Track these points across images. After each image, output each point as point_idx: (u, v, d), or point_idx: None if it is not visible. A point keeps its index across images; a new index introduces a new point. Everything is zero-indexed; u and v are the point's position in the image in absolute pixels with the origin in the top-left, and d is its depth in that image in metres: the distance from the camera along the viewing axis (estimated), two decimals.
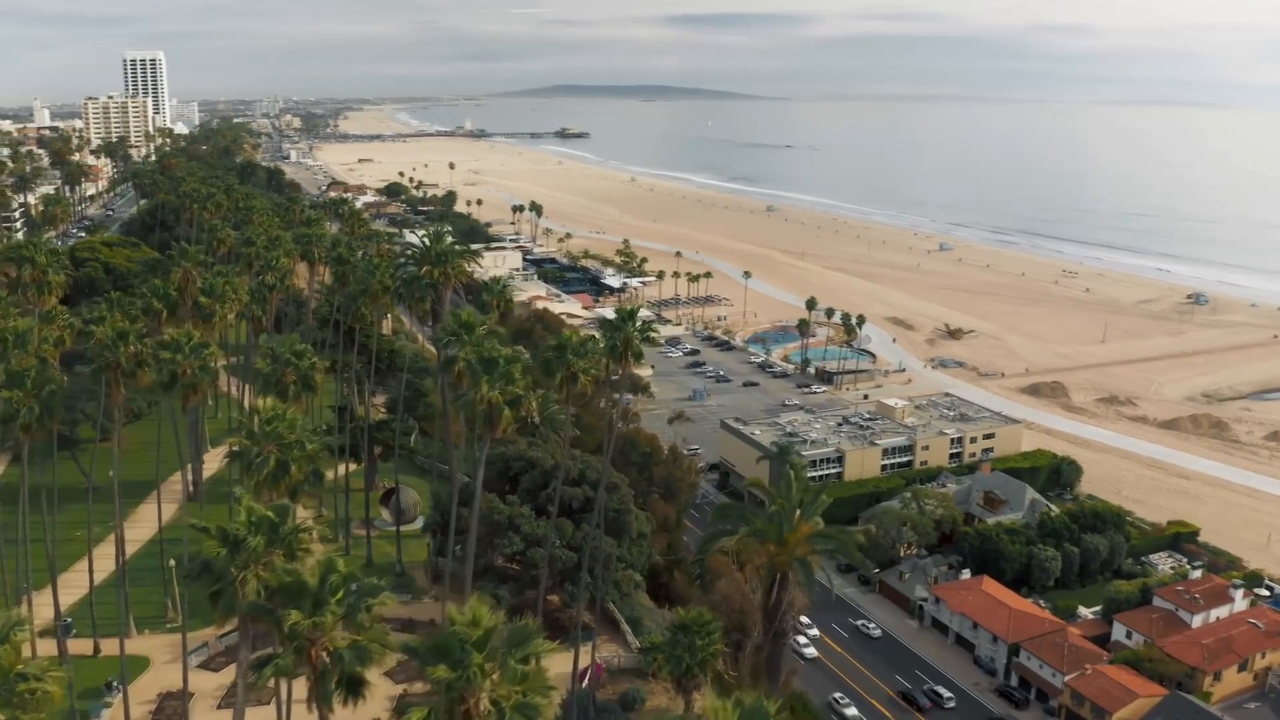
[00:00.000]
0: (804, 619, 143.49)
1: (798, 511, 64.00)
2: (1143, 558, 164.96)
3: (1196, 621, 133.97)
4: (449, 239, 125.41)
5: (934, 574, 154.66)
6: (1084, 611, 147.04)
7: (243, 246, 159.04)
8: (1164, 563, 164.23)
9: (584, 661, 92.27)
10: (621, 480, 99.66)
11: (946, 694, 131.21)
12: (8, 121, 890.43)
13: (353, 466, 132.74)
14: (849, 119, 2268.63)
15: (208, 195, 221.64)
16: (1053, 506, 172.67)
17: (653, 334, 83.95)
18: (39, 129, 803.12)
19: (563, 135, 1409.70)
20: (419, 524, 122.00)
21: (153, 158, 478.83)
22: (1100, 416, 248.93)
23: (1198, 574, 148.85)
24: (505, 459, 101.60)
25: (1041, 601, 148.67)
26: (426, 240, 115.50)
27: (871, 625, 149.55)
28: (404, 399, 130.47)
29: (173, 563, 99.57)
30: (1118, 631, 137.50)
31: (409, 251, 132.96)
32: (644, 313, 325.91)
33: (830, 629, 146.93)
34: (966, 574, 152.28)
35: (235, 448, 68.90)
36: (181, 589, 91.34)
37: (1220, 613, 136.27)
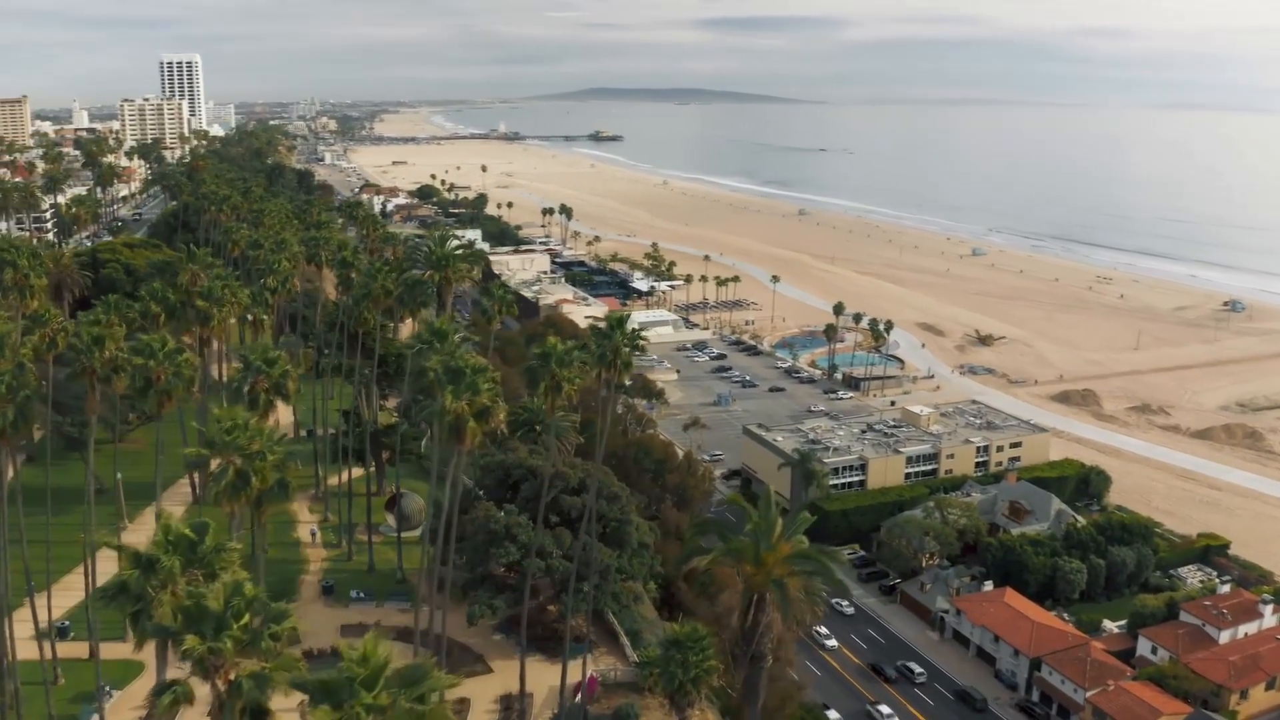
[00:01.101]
0: (821, 629, 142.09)
1: (777, 530, 61.66)
2: (1171, 571, 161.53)
3: (1224, 637, 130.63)
4: (453, 243, 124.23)
5: (956, 585, 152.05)
6: (1109, 625, 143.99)
7: (250, 249, 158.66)
8: (1193, 576, 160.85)
9: (583, 674, 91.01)
10: (623, 489, 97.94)
11: (918, 669, 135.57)
12: (48, 123, 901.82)
13: (361, 472, 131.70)
14: (884, 123, 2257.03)
15: (224, 197, 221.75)
16: (1079, 517, 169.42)
17: (642, 342, 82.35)
18: (76, 130, 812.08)
19: (596, 138, 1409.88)
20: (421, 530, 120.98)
21: (187, 160, 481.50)
22: (1132, 425, 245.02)
23: (1226, 588, 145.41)
24: (505, 467, 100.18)
25: (1065, 615, 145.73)
26: (430, 244, 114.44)
27: (845, 604, 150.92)
28: (416, 403, 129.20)
29: None
30: (1143, 647, 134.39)
31: (414, 255, 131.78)
32: (650, 315, 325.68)
33: (848, 639, 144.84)
34: (989, 586, 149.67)
35: (194, 458, 67.53)
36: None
37: (1249, 629, 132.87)
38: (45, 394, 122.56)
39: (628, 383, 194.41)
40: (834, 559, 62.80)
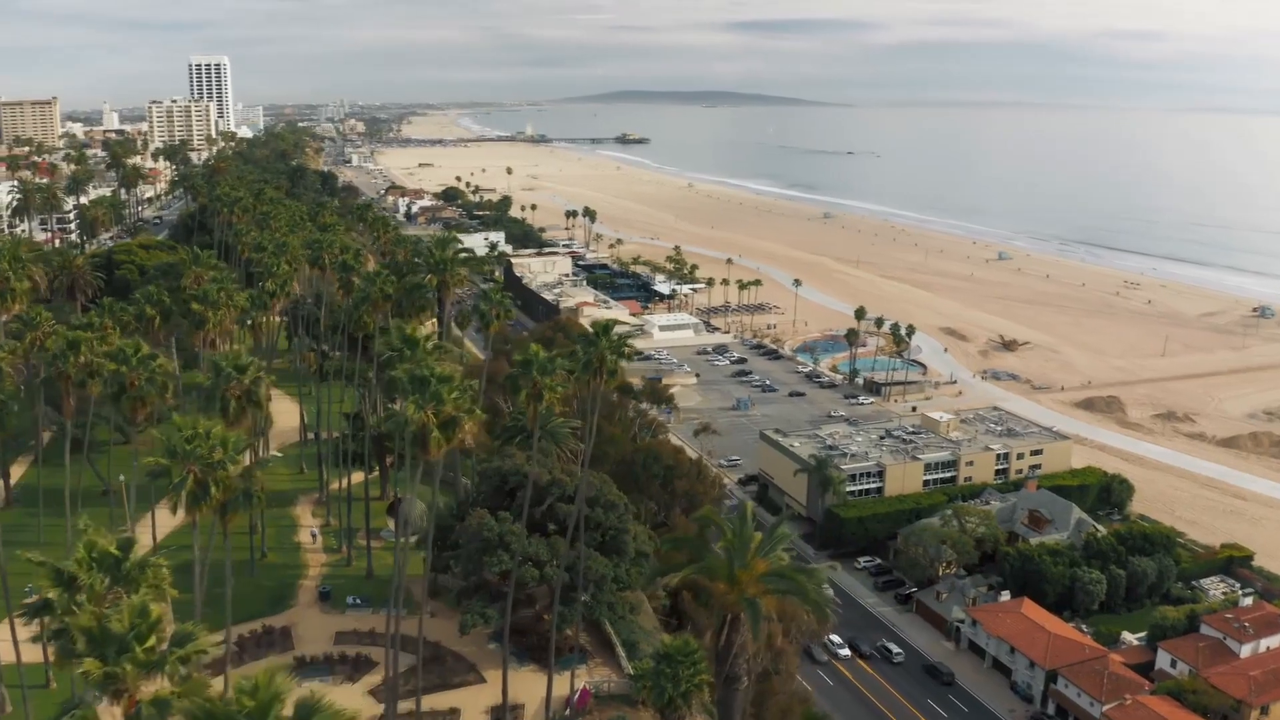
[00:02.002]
0: (834, 638, 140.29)
1: (753, 547, 59.54)
2: (1193, 582, 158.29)
3: (1245, 651, 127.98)
4: (456, 247, 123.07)
5: (972, 595, 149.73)
6: (1128, 638, 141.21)
7: (254, 252, 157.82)
8: (1215, 588, 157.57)
9: (575, 686, 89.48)
10: (620, 498, 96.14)
11: (895, 649, 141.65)
12: (78, 124, 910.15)
13: (372, 475, 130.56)
14: (913, 126, 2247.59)
15: (235, 199, 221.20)
16: (1099, 527, 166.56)
17: (628, 349, 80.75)
18: (105, 132, 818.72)
19: (623, 141, 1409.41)
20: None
21: (212, 161, 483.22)
22: (1156, 433, 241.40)
23: (1249, 600, 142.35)
24: (502, 473, 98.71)
25: (1084, 626, 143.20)
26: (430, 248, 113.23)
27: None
28: None
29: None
30: (1162, 660, 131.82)
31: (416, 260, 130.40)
32: (671, 318, 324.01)
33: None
34: (1006, 595, 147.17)
35: (153, 467, 66.21)
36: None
37: (1271, 643, 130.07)
38: (48, 397, 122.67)
39: (638, 386, 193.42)
40: (812, 578, 60.43)
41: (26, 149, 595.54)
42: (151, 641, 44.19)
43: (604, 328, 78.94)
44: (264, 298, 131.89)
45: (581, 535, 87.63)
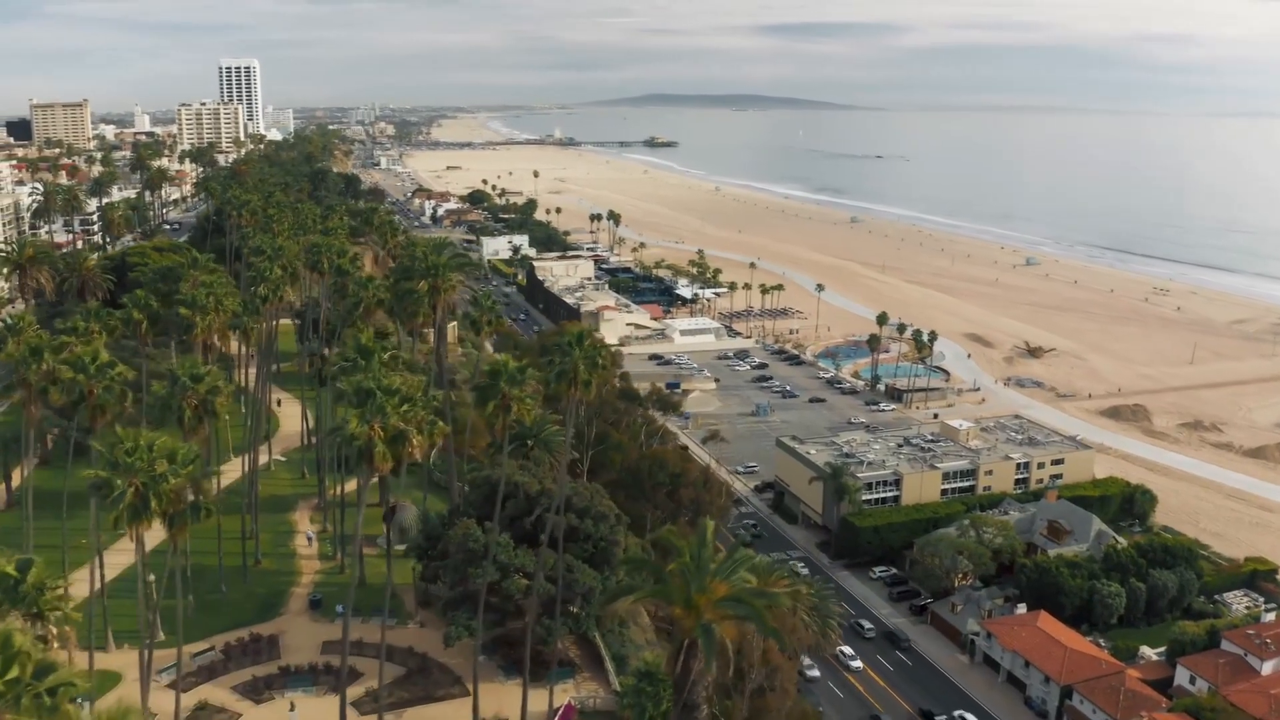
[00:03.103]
0: (846, 649, 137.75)
1: (711, 569, 56.98)
2: (1215, 596, 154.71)
3: (1267, 669, 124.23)
4: (447, 252, 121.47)
5: (988, 607, 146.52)
6: (1147, 653, 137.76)
7: (253, 255, 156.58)
8: (1238, 602, 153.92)
9: (562, 700, 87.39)
10: (610, 508, 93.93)
11: (868, 625, 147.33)
12: (110, 126, 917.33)
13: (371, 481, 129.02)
14: (943, 130, 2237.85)
15: (243, 202, 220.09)
16: (1120, 538, 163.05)
17: (602, 360, 78.49)
18: (136, 133, 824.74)
19: (651, 144, 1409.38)
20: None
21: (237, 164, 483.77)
22: (1182, 442, 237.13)
23: (1271, 616, 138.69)
24: (492, 483, 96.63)
25: (1101, 641, 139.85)
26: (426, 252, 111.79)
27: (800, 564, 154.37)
28: None
29: (151, 578, 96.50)
30: (1181, 676, 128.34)
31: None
32: (693, 323, 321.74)
33: (873, 659, 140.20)
34: (1023, 608, 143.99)
35: (92, 480, 64.67)
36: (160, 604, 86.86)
37: None
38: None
39: (645, 392, 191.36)
40: (773, 603, 57.82)
41: (57, 150, 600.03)
42: (13, 673, 42.35)
43: (578, 336, 76.84)
44: (255, 302, 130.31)
45: (560, 546, 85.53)
